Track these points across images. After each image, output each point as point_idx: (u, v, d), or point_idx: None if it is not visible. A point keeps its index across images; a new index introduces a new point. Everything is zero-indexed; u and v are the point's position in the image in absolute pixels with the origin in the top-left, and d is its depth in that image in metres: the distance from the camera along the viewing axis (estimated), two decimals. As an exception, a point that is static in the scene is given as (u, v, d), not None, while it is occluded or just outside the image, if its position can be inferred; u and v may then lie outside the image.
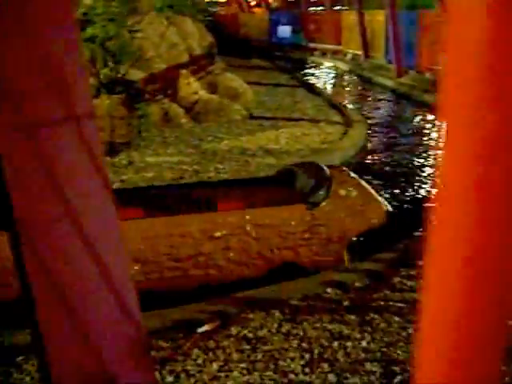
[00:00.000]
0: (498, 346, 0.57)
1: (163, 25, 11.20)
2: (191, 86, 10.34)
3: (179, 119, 9.91)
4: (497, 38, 0.43)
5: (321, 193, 4.80)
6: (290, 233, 4.54)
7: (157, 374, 3.34)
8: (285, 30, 26.41)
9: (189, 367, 3.43)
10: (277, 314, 3.96)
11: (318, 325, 3.79)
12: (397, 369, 3.35)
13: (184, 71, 10.60)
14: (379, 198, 5.15)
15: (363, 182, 5.33)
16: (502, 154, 0.48)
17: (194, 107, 10.21)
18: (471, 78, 0.45)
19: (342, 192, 4.92)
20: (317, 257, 4.62)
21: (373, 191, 5.19)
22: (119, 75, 8.87)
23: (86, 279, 1.63)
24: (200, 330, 3.77)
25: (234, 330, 3.78)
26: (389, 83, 16.00)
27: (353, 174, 5.41)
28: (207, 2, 21.30)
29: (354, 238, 4.75)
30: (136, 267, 4.18)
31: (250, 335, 3.72)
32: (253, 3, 33.35)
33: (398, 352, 3.52)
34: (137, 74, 9.55)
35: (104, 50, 8.56)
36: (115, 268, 1.70)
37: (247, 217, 4.53)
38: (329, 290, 4.23)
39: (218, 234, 4.41)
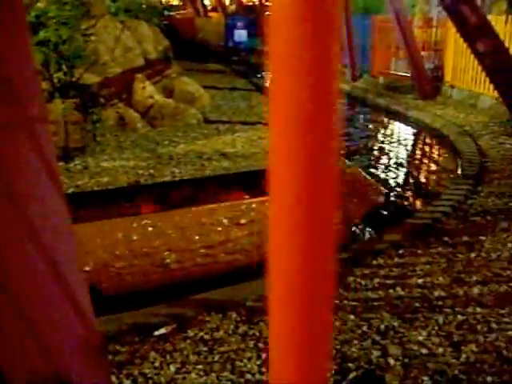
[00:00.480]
0: (327, 346, 0.62)
1: (118, 29, 11.15)
2: (147, 90, 10.31)
3: (135, 124, 9.87)
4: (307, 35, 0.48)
5: None
6: None
7: (114, 377, 3.34)
8: (241, 35, 26.47)
9: (146, 370, 3.44)
10: (233, 315, 4.00)
11: (273, 325, 3.85)
12: (351, 365, 3.44)
13: (139, 75, 10.56)
14: (374, 182, 5.80)
15: (359, 169, 5.87)
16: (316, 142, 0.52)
17: (149, 111, 10.18)
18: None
19: (348, 177, 5.46)
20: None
21: (368, 176, 5.80)
22: (73, 79, 8.78)
23: (38, 280, 1.64)
24: (157, 332, 3.79)
25: (191, 333, 3.81)
26: (343, 87, 16.24)
27: (348, 162, 5.93)
28: (163, 6, 21.19)
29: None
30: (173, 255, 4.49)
31: (207, 337, 3.75)
32: (209, 7, 33.33)
33: (353, 349, 3.60)
34: (91, 78, 9.47)
35: (57, 53, 8.47)
36: (68, 269, 1.71)
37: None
38: (284, 290, 4.30)
39: (243, 220, 4.75)
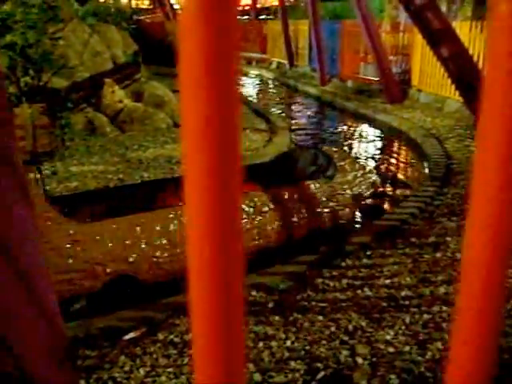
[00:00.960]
0: (241, 346, 0.65)
1: (86, 33, 11.07)
2: (116, 95, 10.25)
3: (104, 128, 9.81)
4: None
5: (332, 168, 5.85)
6: (318, 202, 5.51)
7: (83, 382, 3.33)
8: (211, 39, 26.43)
9: (116, 374, 3.44)
10: (203, 318, 4.02)
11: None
12: (320, 365, 3.48)
13: (108, 79, 10.50)
14: (369, 168, 6.54)
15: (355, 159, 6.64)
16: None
17: (118, 116, 10.13)
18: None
19: (346, 167, 5.98)
20: (342, 217, 5.69)
21: (363, 165, 6.61)
22: (41, 83, 8.69)
23: (6, 287, 1.64)
24: (126, 337, 3.78)
25: (160, 336, 3.81)
26: (313, 91, 16.37)
27: (346, 152, 6.70)
28: (132, 10, 21.10)
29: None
30: None
31: (177, 340, 3.76)
32: (179, 11, 33.27)
33: (321, 350, 3.65)
34: (60, 83, 9.38)
35: (24, 57, 8.37)
36: (35, 274, 1.71)
37: (285, 193, 5.30)
38: (253, 292, 4.33)
39: (265, 208, 5.10)
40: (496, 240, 0.60)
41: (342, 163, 6.02)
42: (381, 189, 6.61)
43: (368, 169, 6.45)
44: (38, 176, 4.91)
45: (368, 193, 6.01)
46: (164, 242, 4.56)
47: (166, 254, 4.55)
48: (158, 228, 4.56)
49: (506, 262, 0.62)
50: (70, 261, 4.20)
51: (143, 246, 4.48)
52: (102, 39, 11.41)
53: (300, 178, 5.84)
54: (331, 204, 5.58)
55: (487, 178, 0.58)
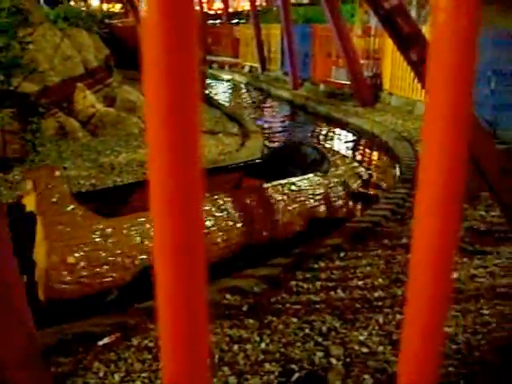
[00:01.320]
0: (205, 346, 0.67)
1: (57, 37, 10.97)
2: (88, 99, 10.18)
3: (76, 133, 9.73)
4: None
5: (326, 162, 6.25)
6: (316, 194, 5.82)
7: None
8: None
9: (90, 381, 3.42)
10: (178, 322, 4.01)
11: (218, 330, 3.89)
12: (295, 367, 3.50)
13: (80, 84, 10.42)
14: (357, 163, 7.08)
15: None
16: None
17: (90, 120, 10.05)
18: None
19: (338, 161, 6.44)
20: (339, 207, 6.08)
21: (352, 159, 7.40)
22: (11, 88, 8.59)
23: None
24: (101, 342, 3.76)
25: (135, 341, 3.80)
26: (285, 95, 16.45)
27: (336, 148, 7.61)
28: (103, 14, 20.96)
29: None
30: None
31: (152, 345, 3.75)
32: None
33: (296, 351, 3.67)
34: (30, 87, 9.28)
35: (-7, 62, 8.27)
36: (8, 281, 1.71)
37: (285, 186, 5.66)
38: (228, 296, 4.34)
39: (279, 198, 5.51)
40: (440, 242, 0.62)
41: (334, 158, 6.55)
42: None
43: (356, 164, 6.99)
44: (63, 174, 5.00)
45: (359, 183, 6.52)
46: None
47: None
48: None
49: (449, 266, 0.64)
50: (103, 254, 4.35)
51: None
52: (72, 43, 11.31)
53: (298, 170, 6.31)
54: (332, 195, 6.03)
55: (431, 180, 0.61)
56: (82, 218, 4.44)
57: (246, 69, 22.41)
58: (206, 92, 17.97)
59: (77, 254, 4.26)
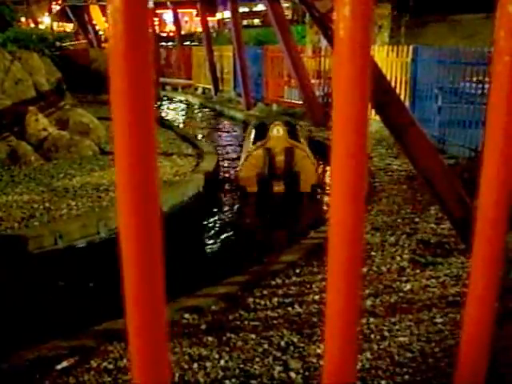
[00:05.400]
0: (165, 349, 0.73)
1: (7, 60, 10.83)
2: (40, 123, 10.07)
3: (28, 157, 9.59)
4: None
5: None
6: None
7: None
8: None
9: (48, 405, 3.38)
10: (137, 343, 4.00)
11: (177, 349, 3.90)
12: (254, 382, 3.55)
13: (32, 107, 10.30)
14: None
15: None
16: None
17: (43, 144, 9.93)
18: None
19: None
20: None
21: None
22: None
23: None
24: (59, 366, 3.72)
25: (94, 363, 3.78)
26: (238, 115, 16.60)
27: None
28: (54, 37, 20.74)
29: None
30: None
31: (111, 366, 3.74)
32: (103, 38, 33.00)
33: (255, 367, 3.72)
34: (-20, 112, 9.14)
35: None
36: None
37: None
38: (186, 315, 4.36)
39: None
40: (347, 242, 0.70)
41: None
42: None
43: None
44: None
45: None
46: None
47: None
48: None
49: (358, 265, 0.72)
50: None
51: None
52: (23, 66, 11.18)
53: None
54: None
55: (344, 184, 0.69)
56: None
57: (200, 90, 22.54)
58: (161, 114, 17.98)
59: None
